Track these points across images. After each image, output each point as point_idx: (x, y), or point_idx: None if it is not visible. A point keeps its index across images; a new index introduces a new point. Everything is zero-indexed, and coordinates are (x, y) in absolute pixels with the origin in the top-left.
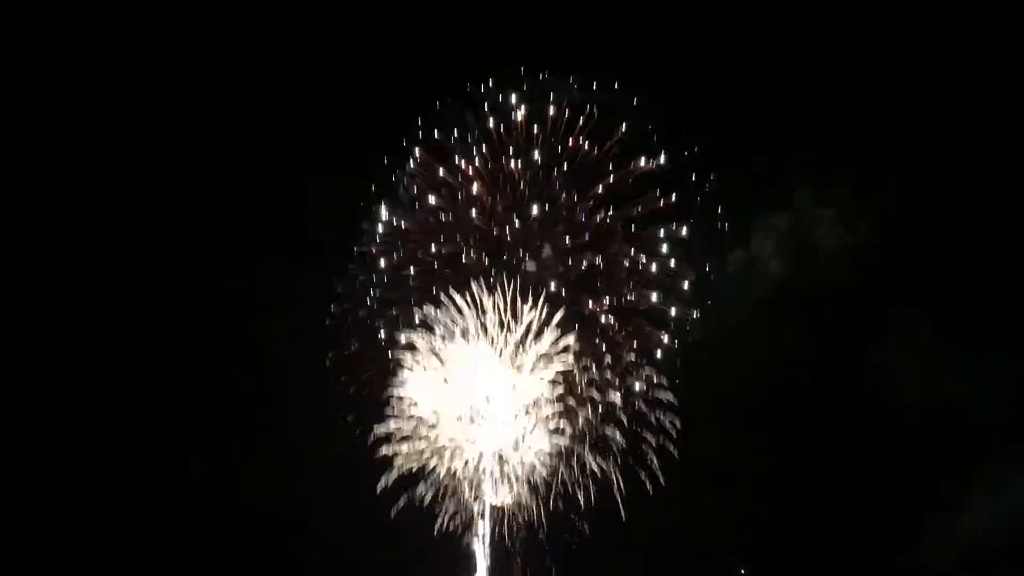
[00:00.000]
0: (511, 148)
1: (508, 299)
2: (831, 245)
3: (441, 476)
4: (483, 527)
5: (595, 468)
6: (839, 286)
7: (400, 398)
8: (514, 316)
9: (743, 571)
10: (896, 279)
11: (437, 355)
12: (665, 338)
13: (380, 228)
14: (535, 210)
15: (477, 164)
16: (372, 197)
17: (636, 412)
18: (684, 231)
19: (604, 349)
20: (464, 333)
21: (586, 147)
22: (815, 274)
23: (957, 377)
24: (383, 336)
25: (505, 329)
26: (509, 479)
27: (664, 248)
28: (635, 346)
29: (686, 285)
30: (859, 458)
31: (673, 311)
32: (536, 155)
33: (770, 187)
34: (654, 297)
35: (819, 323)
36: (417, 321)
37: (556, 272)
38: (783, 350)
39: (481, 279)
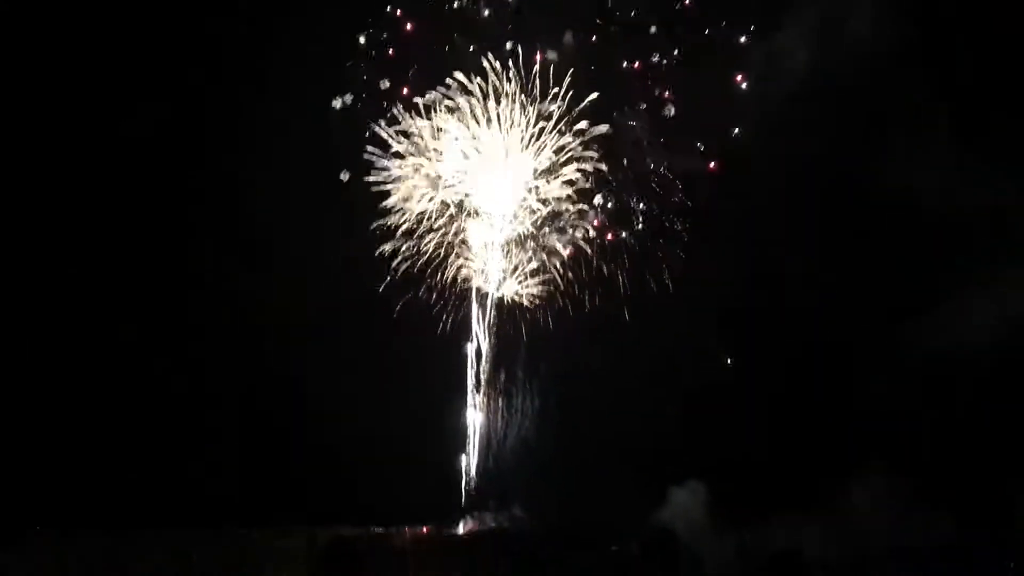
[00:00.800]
0: None
1: (526, 90)
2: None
3: (447, 273)
4: (488, 321)
5: (604, 269)
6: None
7: (403, 191)
8: (532, 107)
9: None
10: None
11: (445, 145)
12: (701, 149)
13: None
14: None
15: None
16: None
17: (652, 216)
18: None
19: (627, 152)
20: (476, 123)
21: None
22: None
23: None
24: (387, 128)
25: (524, 123)
26: (516, 274)
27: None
28: (661, 155)
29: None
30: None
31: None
32: None
33: None
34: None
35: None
36: (422, 110)
37: (580, 64)
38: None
39: (498, 64)
